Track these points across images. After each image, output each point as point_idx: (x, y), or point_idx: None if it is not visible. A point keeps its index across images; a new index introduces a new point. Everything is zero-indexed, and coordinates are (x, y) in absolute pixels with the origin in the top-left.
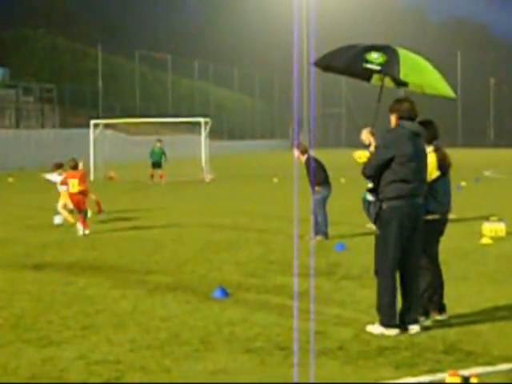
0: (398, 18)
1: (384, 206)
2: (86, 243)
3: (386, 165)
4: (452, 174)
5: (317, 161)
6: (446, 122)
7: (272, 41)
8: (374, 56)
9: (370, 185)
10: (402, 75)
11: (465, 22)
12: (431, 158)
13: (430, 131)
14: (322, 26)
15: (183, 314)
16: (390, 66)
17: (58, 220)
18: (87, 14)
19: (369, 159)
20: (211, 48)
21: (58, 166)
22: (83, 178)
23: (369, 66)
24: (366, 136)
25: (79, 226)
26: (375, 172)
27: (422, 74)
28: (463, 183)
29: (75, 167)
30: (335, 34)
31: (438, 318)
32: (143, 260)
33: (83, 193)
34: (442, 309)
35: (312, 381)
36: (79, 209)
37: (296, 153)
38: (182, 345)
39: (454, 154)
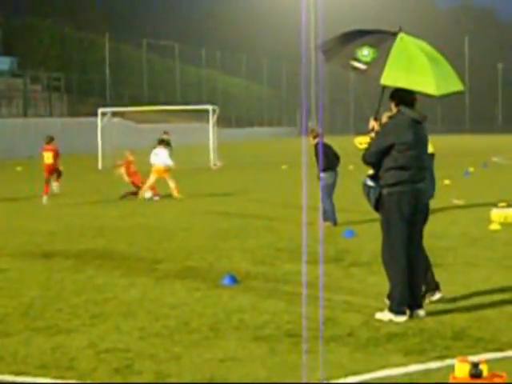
0: (406, 5)
1: (384, 192)
2: (95, 232)
3: (385, 152)
4: (459, 159)
5: (327, 146)
6: (454, 107)
7: (280, 27)
8: (364, 53)
9: (371, 171)
10: (384, 77)
11: (472, 8)
12: None
13: None
14: (330, 13)
15: (192, 301)
16: (375, 66)
17: (147, 194)
18: (94, 3)
19: (369, 145)
20: (218, 35)
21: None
22: (56, 152)
23: (356, 64)
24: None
25: (45, 196)
26: (375, 159)
27: (410, 73)
28: (471, 169)
29: (49, 142)
30: (343, 20)
31: (433, 298)
32: (152, 248)
33: (56, 163)
34: (436, 288)
35: (321, 367)
36: (50, 178)
37: (311, 139)
38: (191, 332)
39: (462, 140)
